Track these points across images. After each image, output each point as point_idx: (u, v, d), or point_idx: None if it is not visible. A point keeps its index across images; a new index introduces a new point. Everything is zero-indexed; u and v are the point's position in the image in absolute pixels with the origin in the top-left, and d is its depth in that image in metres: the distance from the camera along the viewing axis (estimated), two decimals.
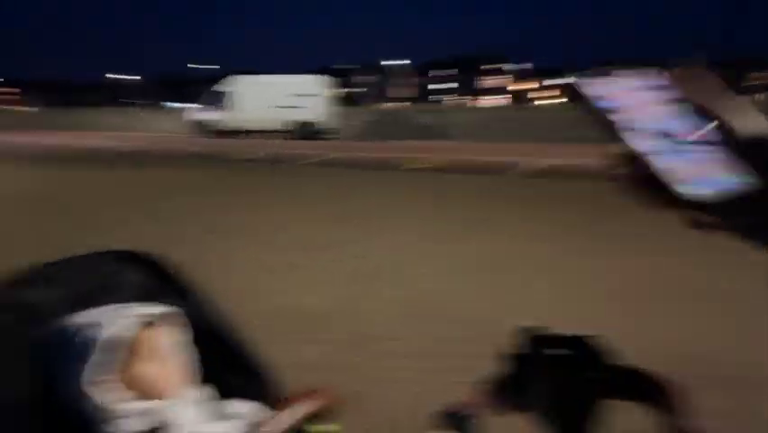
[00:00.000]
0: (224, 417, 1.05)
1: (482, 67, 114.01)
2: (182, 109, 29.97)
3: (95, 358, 0.94)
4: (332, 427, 1.03)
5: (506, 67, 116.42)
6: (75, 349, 0.95)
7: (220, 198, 8.60)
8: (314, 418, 1.01)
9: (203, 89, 25.84)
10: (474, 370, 0.82)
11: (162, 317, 1.03)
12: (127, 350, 0.96)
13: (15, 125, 34.70)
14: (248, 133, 22.78)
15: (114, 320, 0.97)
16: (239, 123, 22.77)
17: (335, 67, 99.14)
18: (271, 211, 7.47)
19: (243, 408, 1.08)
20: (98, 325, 0.96)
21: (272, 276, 4.59)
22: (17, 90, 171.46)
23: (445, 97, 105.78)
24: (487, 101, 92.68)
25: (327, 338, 3.34)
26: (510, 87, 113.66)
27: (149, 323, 1.01)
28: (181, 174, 11.57)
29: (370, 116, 26.87)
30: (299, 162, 13.67)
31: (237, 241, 5.74)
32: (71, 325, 0.99)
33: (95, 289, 1.09)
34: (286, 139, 21.70)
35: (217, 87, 23.56)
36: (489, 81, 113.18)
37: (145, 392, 0.97)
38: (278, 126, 22.40)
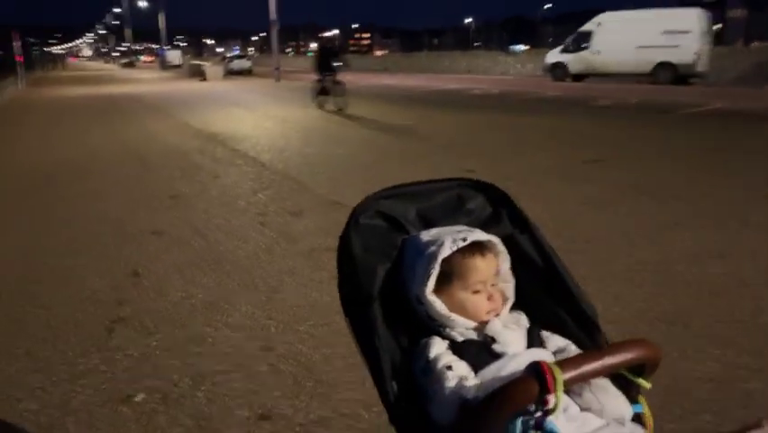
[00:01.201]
0: (541, 346, 1.09)
1: None
2: (526, 51, 29.67)
3: (430, 272, 1.07)
4: (645, 382, 0.97)
5: None
6: (419, 260, 1.09)
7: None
8: (630, 369, 0.95)
9: (553, 31, 24.98)
10: None
11: (493, 245, 1.12)
12: (456, 272, 1.09)
13: (374, 68, 39.98)
14: (607, 76, 21.36)
15: (451, 242, 1.08)
16: (599, 65, 21.48)
17: None
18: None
19: (561, 342, 1.10)
20: (439, 243, 1.09)
21: None
22: (369, 35, 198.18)
23: None
24: None
25: None
26: None
27: (479, 248, 1.10)
28: (559, 120, 11.49)
29: (746, 57, 22.39)
30: (680, 112, 12.16)
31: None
32: (421, 239, 1.14)
33: (443, 209, 1.23)
34: (652, 83, 19.70)
35: (584, 28, 22.52)
36: None
37: (467, 314, 1.09)
38: (644, 68, 20.35)
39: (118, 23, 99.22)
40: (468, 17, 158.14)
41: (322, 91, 13.92)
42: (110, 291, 3.50)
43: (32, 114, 15.49)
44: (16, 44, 27.60)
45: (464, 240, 1.08)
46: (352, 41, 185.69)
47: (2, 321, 3.14)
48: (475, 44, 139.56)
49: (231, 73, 36.08)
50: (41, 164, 7.83)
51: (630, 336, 0.98)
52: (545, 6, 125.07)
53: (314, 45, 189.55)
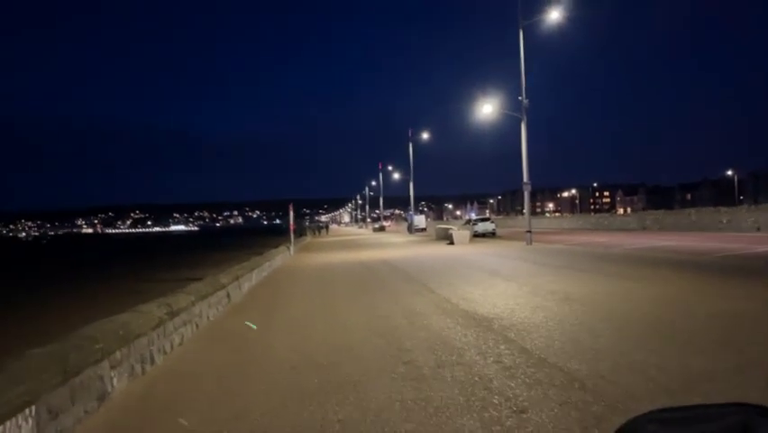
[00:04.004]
0: None
1: None
2: None
3: None
4: None
5: None
6: None
7: None
8: None
9: None
10: None
11: None
12: None
13: (628, 227, 35.67)
14: None
15: None
16: None
17: None
18: None
19: None
20: None
21: None
22: (608, 194, 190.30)
23: None
24: None
25: None
26: None
27: None
28: None
29: None
30: None
31: None
32: None
33: None
34: None
35: None
36: None
37: None
38: None
39: (372, 193, 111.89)
40: (727, 169, 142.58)
41: None
42: None
43: (295, 283, 15.64)
44: (291, 215, 31.01)
45: None
46: (591, 200, 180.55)
47: None
48: (740, 198, 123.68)
49: (475, 236, 35.58)
50: (291, 351, 6.49)
51: None
52: None
53: (550, 206, 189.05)
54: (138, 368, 5.67)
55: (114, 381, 5.04)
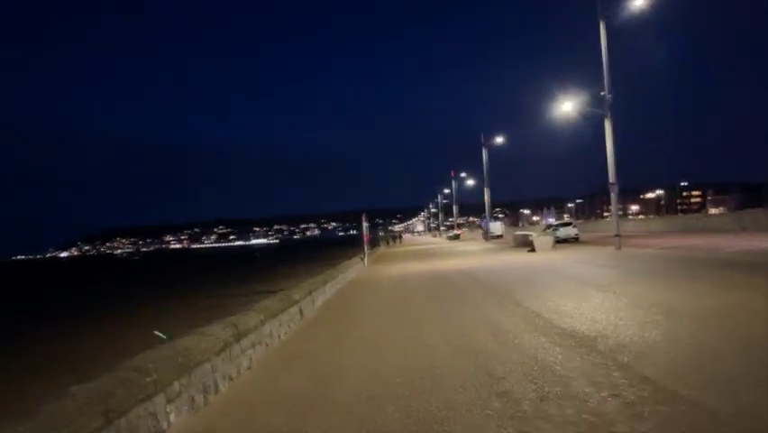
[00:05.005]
0: None
1: None
2: None
3: None
4: None
5: None
6: None
7: None
8: None
9: None
10: None
11: None
12: None
13: (725, 228, 32.49)
14: None
15: None
16: None
17: None
18: None
19: None
20: None
21: None
22: (699, 193, 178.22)
23: None
24: None
25: None
26: None
27: None
28: None
29: None
30: None
31: None
32: None
33: None
34: None
35: None
36: None
37: None
38: None
39: (445, 201, 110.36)
40: None
41: None
42: None
43: (369, 295, 15.00)
44: (365, 225, 30.59)
45: None
46: (678, 201, 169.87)
47: None
48: None
49: (557, 242, 33.75)
50: (368, 377, 5.76)
51: None
52: None
53: (634, 208, 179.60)
54: (200, 399, 5.12)
55: (172, 416, 4.49)
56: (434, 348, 7.27)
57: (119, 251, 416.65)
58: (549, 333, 7.62)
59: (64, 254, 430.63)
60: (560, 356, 6.28)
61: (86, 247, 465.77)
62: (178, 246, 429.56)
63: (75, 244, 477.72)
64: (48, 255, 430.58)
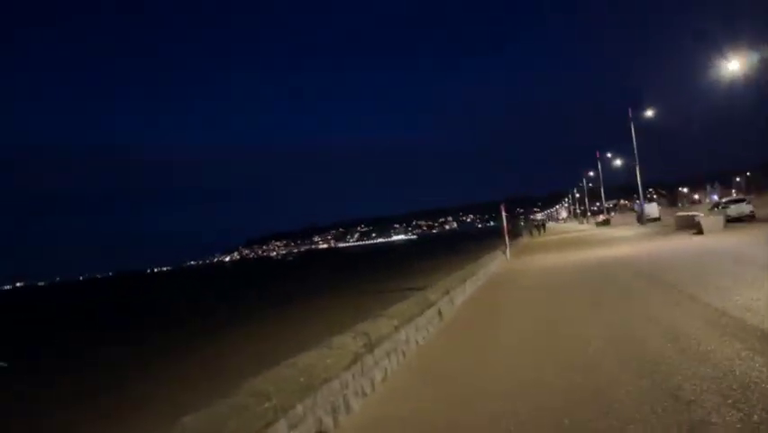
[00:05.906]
0: None
1: None
2: None
3: None
4: None
5: None
6: None
7: None
8: None
9: None
10: None
11: None
12: None
13: None
14: None
15: None
16: None
17: None
18: None
19: None
20: None
21: None
22: None
23: None
24: None
25: None
26: None
27: None
28: None
29: None
30: None
31: None
32: None
33: None
34: None
35: None
36: None
37: None
38: None
39: (590, 185, 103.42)
40: None
41: None
42: None
43: (513, 292, 13.95)
44: (504, 216, 29.21)
45: None
46: None
47: None
48: None
49: (728, 221, 29.57)
50: (514, 397, 4.91)
51: None
52: None
53: None
54: (328, 421, 4.65)
55: None
56: (597, 360, 6.17)
57: (274, 253, 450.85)
58: (744, 337, 6.14)
59: (227, 258, 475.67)
60: (766, 369, 4.91)
61: (246, 251, 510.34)
62: (324, 246, 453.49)
63: (236, 249, 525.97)
64: (215, 260, 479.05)
